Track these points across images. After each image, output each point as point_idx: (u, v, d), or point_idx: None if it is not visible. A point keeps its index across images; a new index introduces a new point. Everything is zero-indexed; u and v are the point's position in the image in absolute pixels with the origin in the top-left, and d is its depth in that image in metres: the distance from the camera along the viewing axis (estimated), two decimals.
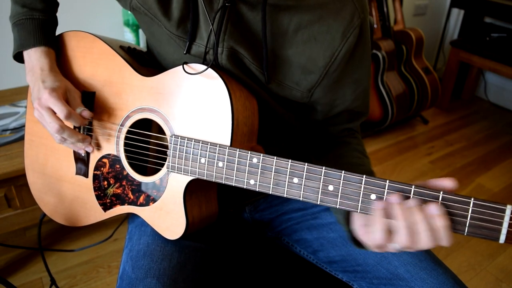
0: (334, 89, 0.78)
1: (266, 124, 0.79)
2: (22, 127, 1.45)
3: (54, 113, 0.75)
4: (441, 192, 0.54)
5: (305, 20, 0.71)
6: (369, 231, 0.61)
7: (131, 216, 0.88)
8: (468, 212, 0.54)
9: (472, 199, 0.53)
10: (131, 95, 0.78)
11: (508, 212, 0.52)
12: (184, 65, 0.72)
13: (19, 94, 1.68)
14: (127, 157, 0.80)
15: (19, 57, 0.84)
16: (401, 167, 2.36)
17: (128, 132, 0.80)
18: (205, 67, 0.70)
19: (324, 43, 0.72)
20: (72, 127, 0.81)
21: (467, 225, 0.54)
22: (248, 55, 0.73)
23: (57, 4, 0.88)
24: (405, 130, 2.75)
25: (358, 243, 0.70)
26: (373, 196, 0.58)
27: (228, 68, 0.74)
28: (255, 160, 0.65)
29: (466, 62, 2.81)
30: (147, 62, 0.85)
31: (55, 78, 0.79)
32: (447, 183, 0.56)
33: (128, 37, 1.88)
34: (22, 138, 1.42)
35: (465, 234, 0.54)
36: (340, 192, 0.60)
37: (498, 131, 2.82)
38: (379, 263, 0.79)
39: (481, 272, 1.71)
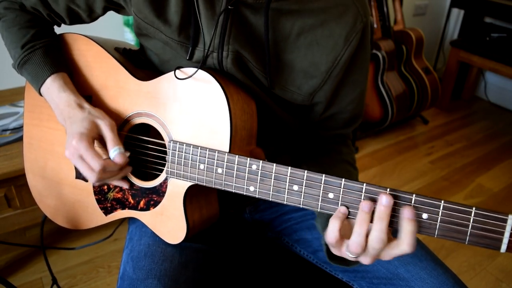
0: (334, 92, 0.78)
1: (266, 126, 0.79)
2: (22, 127, 1.44)
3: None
4: (442, 201, 0.54)
5: (308, 24, 0.70)
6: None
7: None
8: (469, 221, 0.53)
9: (474, 208, 0.53)
10: (128, 99, 0.78)
11: (510, 222, 0.51)
12: (176, 70, 0.71)
13: (19, 94, 1.67)
14: None
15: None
16: (401, 167, 2.36)
17: (126, 137, 0.79)
18: (199, 70, 0.69)
19: (327, 48, 0.72)
20: None
21: (468, 234, 0.54)
22: (252, 59, 0.72)
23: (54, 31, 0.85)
24: (405, 130, 2.75)
25: (333, 257, 0.69)
26: None
27: (232, 72, 0.73)
28: (254, 167, 0.65)
29: (466, 62, 2.81)
30: (142, 64, 0.84)
31: (82, 115, 0.73)
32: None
33: (128, 37, 1.87)
34: (22, 138, 1.41)
35: (466, 243, 0.54)
36: (340, 200, 0.60)
37: (498, 131, 2.82)
38: (379, 262, 0.78)
39: (481, 272, 1.71)
